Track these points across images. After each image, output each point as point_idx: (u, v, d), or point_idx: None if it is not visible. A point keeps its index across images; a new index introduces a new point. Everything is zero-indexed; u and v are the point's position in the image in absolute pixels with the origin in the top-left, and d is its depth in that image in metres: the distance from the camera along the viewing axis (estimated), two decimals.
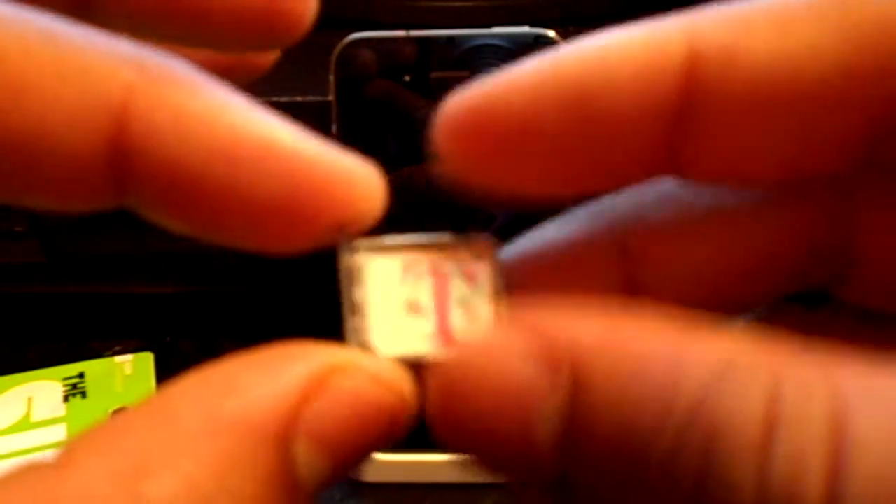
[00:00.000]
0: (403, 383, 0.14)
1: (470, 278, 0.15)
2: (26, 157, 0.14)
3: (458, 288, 0.15)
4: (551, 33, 0.37)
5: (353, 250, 0.15)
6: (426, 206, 0.38)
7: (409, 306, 0.15)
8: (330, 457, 0.13)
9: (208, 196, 0.14)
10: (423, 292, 0.15)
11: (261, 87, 0.52)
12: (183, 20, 0.17)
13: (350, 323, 0.15)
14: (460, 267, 0.15)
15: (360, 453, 0.14)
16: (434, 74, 0.37)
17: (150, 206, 0.15)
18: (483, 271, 0.15)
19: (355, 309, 0.15)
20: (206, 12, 0.17)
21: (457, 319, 0.15)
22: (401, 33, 0.37)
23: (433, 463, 0.41)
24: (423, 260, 0.15)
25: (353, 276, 0.15)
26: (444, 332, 0.15)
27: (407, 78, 0.37)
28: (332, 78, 0.37)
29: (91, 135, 0.14)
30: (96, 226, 0.48)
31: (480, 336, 0.13)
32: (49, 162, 0.14)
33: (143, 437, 0.13)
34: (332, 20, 0.48)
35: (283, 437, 0.13)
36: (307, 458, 0.13)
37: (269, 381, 0.13)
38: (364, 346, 0.15)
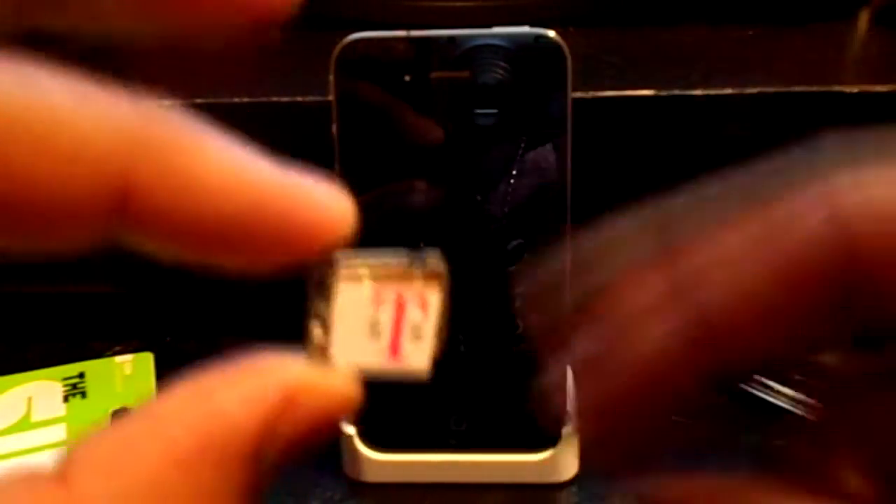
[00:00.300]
0: (353, 394, 0.17)
1: (423, 306, 0.18)
2: (20, 232, 0.15)
3: (413, 314, 0.18)
4: (551, 33, 0.37)
5: (326, 268, 0.17)
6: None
7: (371, 328, 0.18)
8: (286, 455, 0.16)
9: (202, 238, 0.16)
10: (384, 317, 0.18)
11: (261, 87, 0.53)
12: (166, 6, 0.16)
13: (314, 332, 0.17)
14: (417, 294, 0.18)
15: (308, 447, 0.16)
16: (434, 74, 0.37)
17: (137, 244, 0.16)
18: (433, 300, 0.18)
19: (321, 322, 0.18)
20: None
21: (406, 342, 0.18)
22: (401, 33, 0.37)
23: (433, 463, 0.41)
24: (388, 288, 0.18)
25: (324, 293, 0.18)
26: (393, 351, 0.18)
27: (407, 78, 0.37)
28: (331, 78, 0.37)
29: (90, 210, 0.15)
30: None
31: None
32: (45, 234, 0.15)
33: (143, 461, 0.14)
34: (331, 20, 0.48)
35: (259, 451, 0.15)
36: (269, 459, 0.16)
37: (247, 402, 0.15)
38: (323, 356, 0.17)
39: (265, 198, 0.16)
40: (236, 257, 0.16)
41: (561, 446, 0.41)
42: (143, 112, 0.15)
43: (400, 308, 0.18)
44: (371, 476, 0.42)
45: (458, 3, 0.54)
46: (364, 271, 0.18)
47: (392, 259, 0.18)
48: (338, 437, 0.42)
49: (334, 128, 0.38)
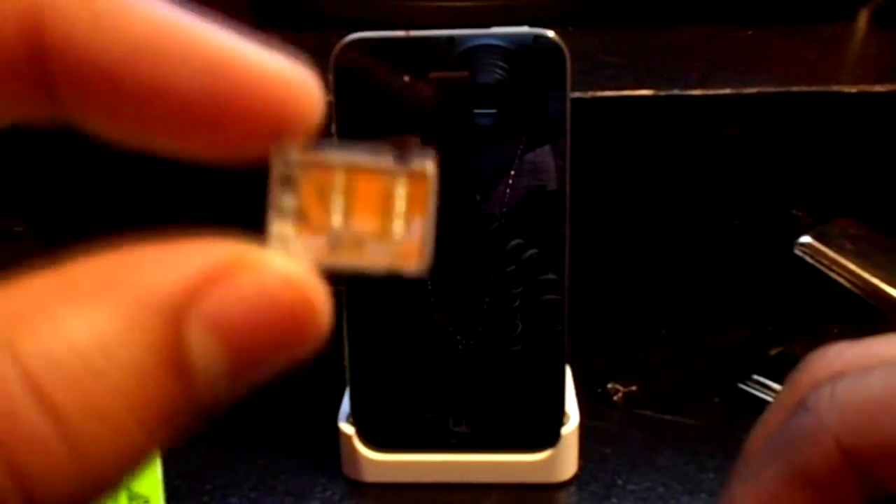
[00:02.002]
0: (317, 290, 0.13)
1: (411, 203, 0.15)
2: None
3: (399, 207, 0.15)
4: (550, 33, 0.37)
5: (289, 158, 0.14)
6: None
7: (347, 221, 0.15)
8: (228, 349, 0.13)
9: (132, 95, 0.14)
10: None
11: None
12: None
13: (274, 227, 0.14)
14: (403, 189, 0.15)
15: (266, 356, 0.13)
16: (433, 74, 0.37)
17: (77, 108, 0.14)
18: (425, 197, 0.15)
19: (282, 214, 0.14)
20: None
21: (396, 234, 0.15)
22: (400, 33, 0.37)
23: (433, 463, 0.41)
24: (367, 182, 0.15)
25: (289, 184, 0.14)
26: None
27: (406, 78, 0.37)
28: (331, 78, 0.37)
29: (4, 36, 0.14)
30: (97, 225, 0.48)
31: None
32: None
33: (30, 291, 0.12)
34: (331, 20, 0.48)
35: (176, 314, 0.12)
36: (200, 343, 0.13)
37: (169, 262, 0.13)
38: (288, 251, 0.14)
39: (212, 57, 0.14)
40: (185, 136, 0.14)
41: (561, 446, 0.41)
42: None
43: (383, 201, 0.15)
44: (370, 476, 0.42)
45: (458, 3, 0.54)
46: (335, 165, 0.14)
47: (370, 154, 0.15)
48: (337, 437, 0.42)
49: (334, 128, 0.38)
